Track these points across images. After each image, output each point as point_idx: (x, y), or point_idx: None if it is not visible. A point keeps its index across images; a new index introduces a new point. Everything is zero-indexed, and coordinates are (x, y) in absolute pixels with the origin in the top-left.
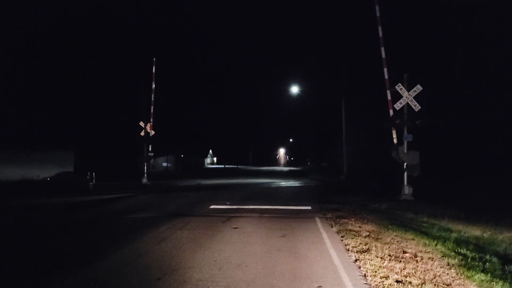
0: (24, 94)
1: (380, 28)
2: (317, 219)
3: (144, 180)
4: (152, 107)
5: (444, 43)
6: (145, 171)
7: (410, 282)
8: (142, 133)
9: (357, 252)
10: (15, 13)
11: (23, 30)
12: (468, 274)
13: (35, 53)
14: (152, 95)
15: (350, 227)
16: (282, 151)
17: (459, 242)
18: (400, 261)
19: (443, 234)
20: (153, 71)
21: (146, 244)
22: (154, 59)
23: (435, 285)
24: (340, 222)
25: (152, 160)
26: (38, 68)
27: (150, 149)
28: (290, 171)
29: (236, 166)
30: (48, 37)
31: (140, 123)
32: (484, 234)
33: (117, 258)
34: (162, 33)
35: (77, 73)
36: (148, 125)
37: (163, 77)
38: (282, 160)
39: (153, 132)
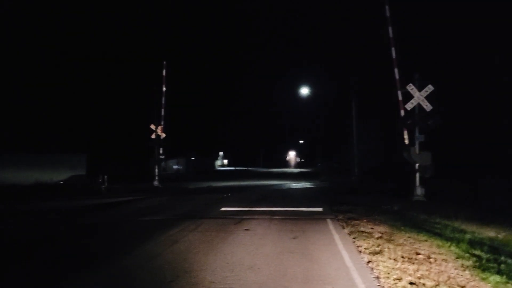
0: (36, 98)
1: (390, 28)
2: (329, 221)
3: (156, 183)
4: (162, 109)
5: (457, 41)
6: (156, 174)
7: (424, 284)
8: (153, 136)
9: (369, 253)
10: (29, 16)
11: (36, 33)
12: (483, 276)
13: (47, 57)
14: (163, 98)
15: (362, 229)
16: (292, 154)
17: (473, 244)
18: (414, 263)
19: (457, 235)
20: (164, 74)
21: (159, 247)
22: (164, 62)
23: (449, 287)
24: (352, 223)
25: (163, 162)
26: (50, 71)
27: (161, 151)
28: (300, 172)
29: (246, 168)
30: (60, 40)
31: (151, 126)
32: (499, 236)
33: (130, 260)
34: (173, 35)
35: (89, 76)
36: (159, 128)
37: (174, 79)
38: (293, 162)
39: (164, 135)
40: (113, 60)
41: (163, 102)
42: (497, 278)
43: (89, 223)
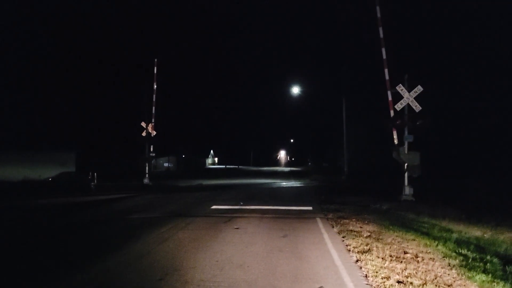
0: (26, 95)
1: (381, 29)
2: (318, 220)
3: (146, 181)
4: (153, 107)
5: (446, 43)
6: (147, 172)
7: (411, 283)
8: (144, 134)
9: (358, 252)
10: (14, 11)
11: (22, 28)
12: (469, 275)
13: (35, 53)
14: (154, 96)
15: (351, 228)
16: (283, 153)
17: (460, 243)
18: (401, 262)
19: (444, 234)
20: (155, 71)
21: (148, 245)
22: (156, 60)
23: (436, 285)
24: (341, 222)
25: (154, 160)
26: (38, 68)
27: (151, 149)
28: (291, 171)
29: (237, 167)
30: (48, 36)
31: (141, 124)
32: (485, 235)
33: (120, 258)
34: (164, 34)
35: (78, 74)
36: (150, 125)
37: (164, 77)
38: (283, 161)
39: (154, 133)
40: (104, 57)
41: (154, 100)
42: (483, 277)
43: (77, 220)
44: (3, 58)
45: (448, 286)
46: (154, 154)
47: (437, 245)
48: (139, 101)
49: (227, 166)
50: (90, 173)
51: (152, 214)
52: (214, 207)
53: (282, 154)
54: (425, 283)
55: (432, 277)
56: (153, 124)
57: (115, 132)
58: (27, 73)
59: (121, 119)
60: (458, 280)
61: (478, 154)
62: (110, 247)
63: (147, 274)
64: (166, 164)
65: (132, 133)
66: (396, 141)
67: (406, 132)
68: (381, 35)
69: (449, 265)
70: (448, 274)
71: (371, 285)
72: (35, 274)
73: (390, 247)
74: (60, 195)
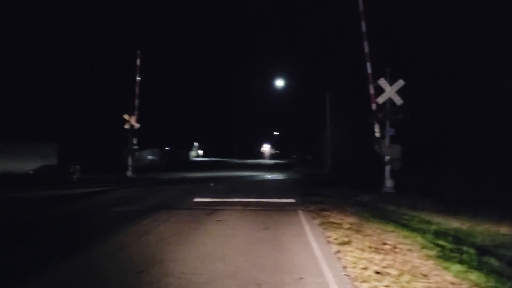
0: (4, 86)
1: (363, 23)
2: (300, 212)
3: (129, 173)
4: (136, 99)
5: (425, 37)
6: (130, 164)
7: (388, 273)
8: (127, 126)
9: (338, 244)
10: None
11: (3, 21)
12: (445, 265)
13: (12, 43)
14: (136, 88)
15: (332, 220)
16: (267, 146)
17: (438, 234)
18: (380, 253)
19: (423, 226)
20: (138, 63)
21: (130, 238)
22: (139, 51)
23: (412, 275)
24: (323, 214)
25: (137, 153)
26: (17, 59)
27: (135, 142)
28: (275, 164)
29: (221, 159)
30: (30, 26)
31: (124, 116)
32: (463, 226)
33: (100, 251)
34: (146, 24)
35: (59, 64)
36: (133, 118)
37: (147, 68)
38: (268, 153)
39: (137, 125)
40: (86, 48)
41: (137, 91)
42: (458, 267)
43: (58, 214)
44: None
45: (424, 276)
46: (137, 147)
47: (415, 236)
48: (122, 93)
49: (211, 159)
50: (72, 166)
51: (135, 207)
52: (196, 199)
53: (266, 148)
54: (402, 273)
55: (409, 267)
56: (136, 116)
57: (98, 124)
58: (6, 63)
59: (104, 111)
60: (434, 270)
61: (457, 147)
62: (91, 240)
63: (128, 266)
64: (149, 157)
65: (115, 125)
66: (377, 134)
67: (387, 126)
68: (364, 29)
69: (427, 256)
70: (425, 265)
71: (350, 276)
72: (12, 268)
73: (369, 239)
74: (41, 188)
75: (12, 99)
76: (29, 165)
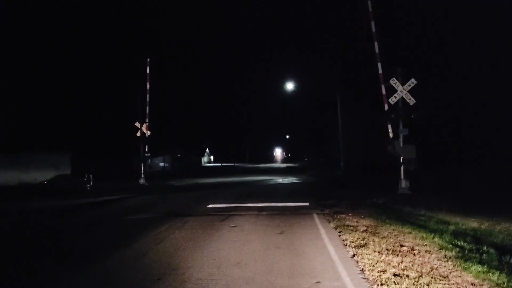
0: (18, 97)
1: (373, 24)
2: (315, 215)
3: (142, 181)
4: (147, 107)
5: (437, 36)
6: (142, 172)
7: (407, 276)
8: (138, 134)
9: (354, 247)
10: (6, 12)
11: (15, 29)
12: (465, 266)
13: (28, 54)
14: (147, 95)
15: (347, 223)
16: (278, 150)
17: (456, 234)
18: (398, 255)
19: (441, 226)
20: (147, 71)
21: (146, 245)
22: (148, 60)
23: (432, 277)
24: (338, 217)
25: (149, 160)
26: (32, 70)
27: (146, 149)
28: (287, 167)
29: (233, 164)
30: (43, 37)
31: (136, 124)
32: (482, 226)
33: (117, 259)
34: (157, 32)
35: (72, 74)
36: (144, 125)
37: (158, 76)
38: (280, 157)
39: (149, 133)
40: (97, 57)
41: (147, 99)
42: (478, 267)
43: (74, 222)
44: None
45: (444, 277)
46: (149, 154)
47: (433, 237)
48: (133, 101)
49: (223, 164)
50: (86, 175)
51: (149, 214)
52: (210, 205)
53: (278, 152)
54: (421, 275)
55: (428, 269)
56: (147, 123)
57: (110, 133)
58: (19, 74)
59: (115, 120)
60: (454, 271)
61: (475, 146)
62: (108, 248)
63: (145, 274)
64: (161, 164)
65: (127, 133)
66: (391, 135)
67: (401, 126)
68: (373, 30)
69: (445, 257)
70: (444, 266)
71: (368, 279)
72: (32, 276)
73: (386, 241)
74: (56, 198)
75: (25, 109)
76: (43, 175)
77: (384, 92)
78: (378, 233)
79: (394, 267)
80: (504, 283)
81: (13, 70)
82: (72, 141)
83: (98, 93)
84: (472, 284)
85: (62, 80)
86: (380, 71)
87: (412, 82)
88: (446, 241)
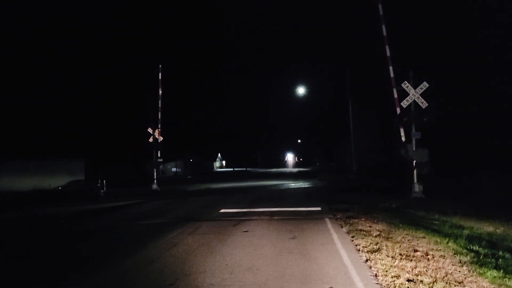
0: (33, 103)
1: (383, 27)
2: (327, 220)
3: (154, 186)
4: (159, 113)
5: (451, 38)
6: (155, 177)
7: (421, 281)
8: (151, 140)
9: (367, 252)
10: (23, 18)
11: (29, 36)
12: (481, 271)
13: (43, 61)
14: (159, 101)
15: (360, 227)
16: (290, 155)
17: (471, 239)
18: (411, 260)
19: (455, 231)
20: (159, 77)
21: (158, 250)
22: (160, 66)
23: (446, 283)
24: (350, 222)
25: (162, 165)
26: (46, 76)
27: (159, 155)
28: (299, 172)
29: (245, 169)
30: (56, 44)
31: (148, 129)
32: (497, 230)
33: (129, 264)
34: (169, 38)
35: (85, 80)
36: (156, 131)
37: (170, 81)
38: (291, 161)
39: (161, 138)
40: (109, 64)
41: (159, 105)
42: (494, 273)
43: (88, 228)
44: (8, 66)
45: (459, 283)
46: (161, 160)
47: (447, 242)
48: (145, 107)
49: (234, 169)
50: (99, 181)
51: (162, 219)
52: (222, 210)
53: (289, 157)
54: (435, 281)
55: (443, 274)
56: (159, 129)
57: (123, 139)
58: (33, 80)
59: (128, 125)
60: (469, 276)
61: (488, 149)
62: (121, 253)
63: (158, 279)
64: (174, 169)
65: (140, 139)
66: (403, 139)
67: (413, 129)
68: (384, 33)
69: (460, 262)
70: (459, 271)
71: (381, 284)
72: (46, 280)
73: (400, 246)
74: (70, 203)
75: (39, 116)
76: (56, 181)
77: (396, 95)
78: (391, 237)
79: (408, 272)
80: None
81: (29, 77)
82: (86, 147)
83: (111, 99)
84: None
85: (76, 87)
86: (392, 74)
87: (424, 85)
88: (460, 246)
